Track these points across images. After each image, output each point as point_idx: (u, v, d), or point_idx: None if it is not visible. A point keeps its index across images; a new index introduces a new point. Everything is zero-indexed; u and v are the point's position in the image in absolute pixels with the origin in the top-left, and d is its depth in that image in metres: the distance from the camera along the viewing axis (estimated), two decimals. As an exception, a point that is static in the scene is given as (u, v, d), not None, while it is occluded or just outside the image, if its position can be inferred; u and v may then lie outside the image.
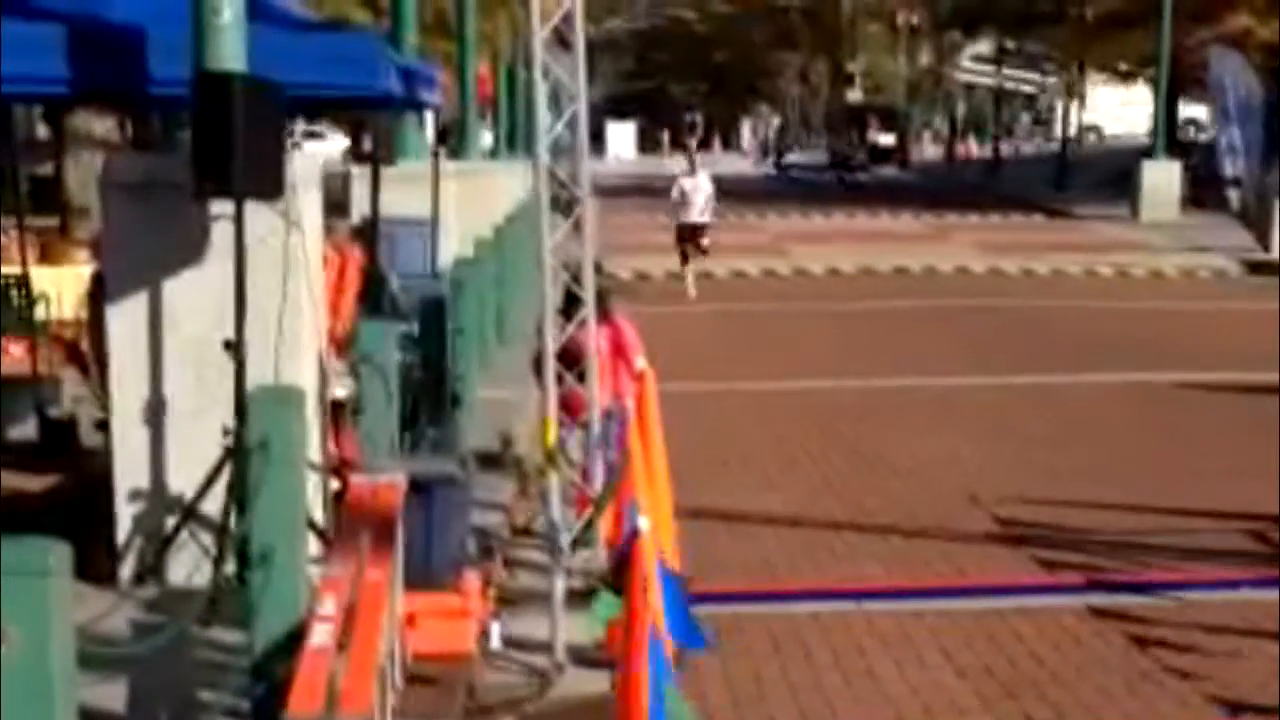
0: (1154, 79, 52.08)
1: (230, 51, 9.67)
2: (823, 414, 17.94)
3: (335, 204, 16.07)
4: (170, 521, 9.87)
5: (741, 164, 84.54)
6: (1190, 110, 73.35)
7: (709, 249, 30.19)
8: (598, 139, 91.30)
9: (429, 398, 13.95)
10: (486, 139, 40.45)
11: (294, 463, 7.63)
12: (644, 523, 7.11)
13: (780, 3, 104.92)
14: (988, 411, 18.28)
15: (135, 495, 10.07)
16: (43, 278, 16.37)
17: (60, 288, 17.00)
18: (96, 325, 11.08)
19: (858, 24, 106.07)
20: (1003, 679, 9.54)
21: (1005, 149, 79.54)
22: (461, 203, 22.10)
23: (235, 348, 9.38)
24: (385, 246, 16.35)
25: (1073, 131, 72.55)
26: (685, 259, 29.81)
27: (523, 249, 24.37)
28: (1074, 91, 77.33)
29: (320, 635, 6.23)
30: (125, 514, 10.08)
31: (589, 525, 9.90)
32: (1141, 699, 9.23)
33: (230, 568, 9.17)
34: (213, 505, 9.49)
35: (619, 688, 7.15)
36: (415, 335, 14.34)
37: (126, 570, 10.04)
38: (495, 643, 9.40)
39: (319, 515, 9.76)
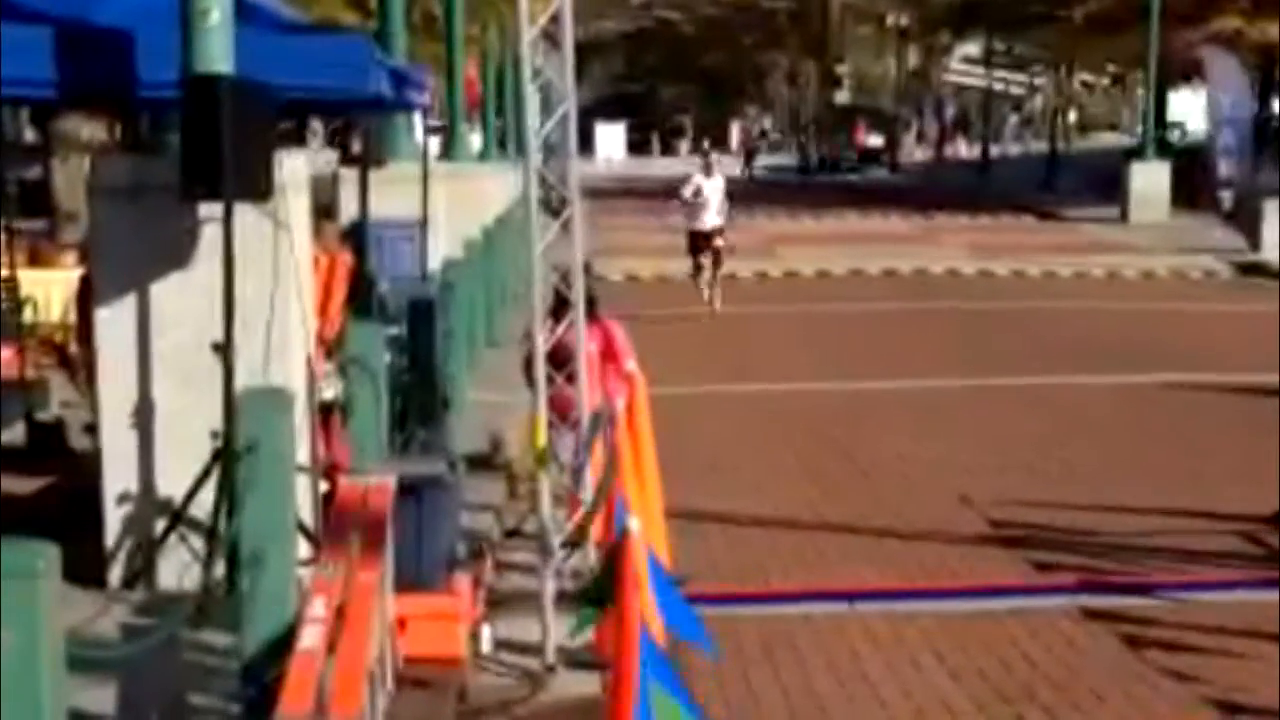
0: (1143, 80, 52.19)
1: (219, 54, 9.65)
2: (814, 416, 17.93)
3: (324, 206, 16.08)
4: (159, 524, 9.85)
5: (731, 166, 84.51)
6: (1178, 110, 73.40)
7: (723, 251, 27.67)
8: (587, 141, 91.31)
9: (418, 400, 13.92)
10: (475, 141, 40.38)
11: (283, 465, 7.60)
12: (634, 522, 7.09)
13: (768, 4, 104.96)
14: (979, 413, 18.27)
15: (124, 498, 10.05)
16: (31, 281, 16.36)
17: (48, 291, 17.02)
18: (85, 328, 11.06)
19: (846, 26, 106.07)
20: (996, 681, 9.51)
21: (994, 150, 79.61)
22: (450, 205, 22.05)
23: (224, 350, 9.35)
24: (374, 248, 16.34)
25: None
26: (699, 268, 27.62)
27: (512, 251, 24.38)
28: (1063, 92, 77.48)
29: (310, 638, 6.20)
30: (114, 517, 10.06)
31: (583, 528, 9.86)
32: (1135, 701, 9.20)
33: (220, 570, 9.15)
34: (202, 508, 9.47)
35: (610, 689, 7.13)
36: (404, 337, 14.32)
37: (115, 573, 10.02)
38: (486, 645, 9.38)
39: (308, 517, 9.73)
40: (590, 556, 10.30)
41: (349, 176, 19.26)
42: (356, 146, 22.93)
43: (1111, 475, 14.81)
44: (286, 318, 9.98)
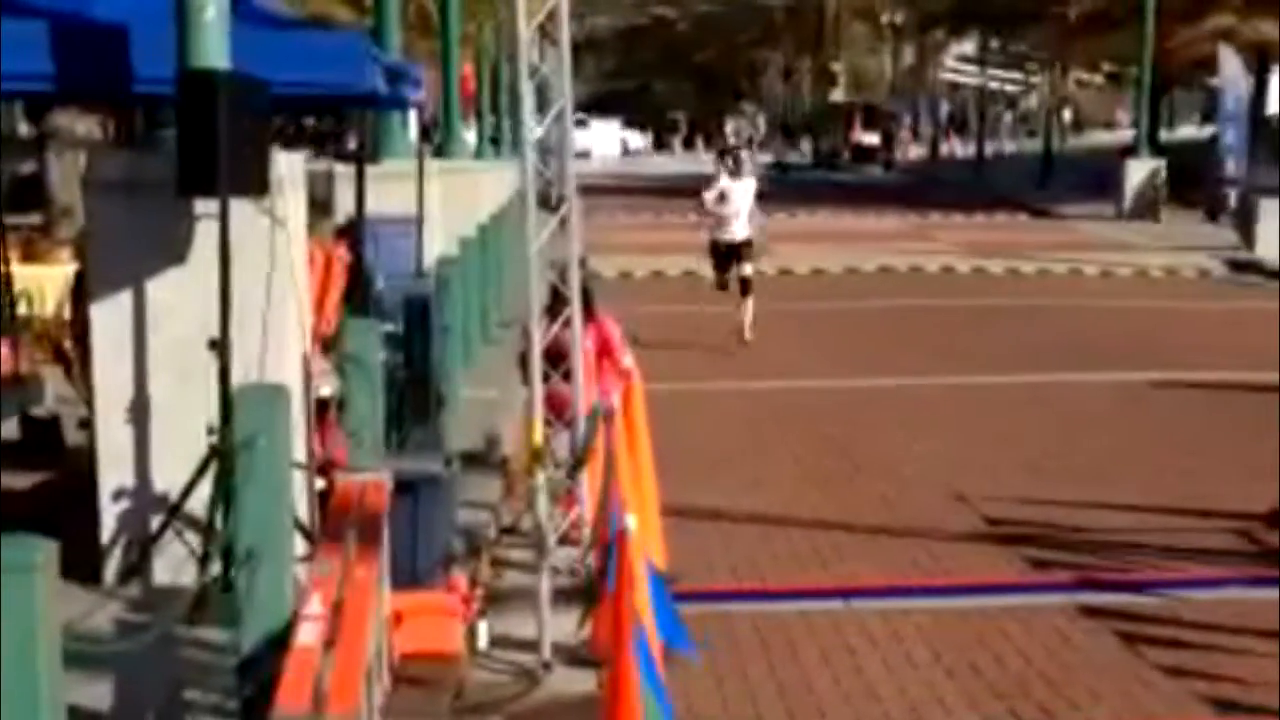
0: (1137, 79, 52.22)
1: (214, 49, 9.63)
2: (809, 414, 17.93)
3: (320, 202, 16.07)
4: (155, 520, 9.84)
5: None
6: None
7: (751, 281, 23.02)
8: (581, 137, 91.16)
9: (414, 397, 13.92)
10: (470, 138, 40.37)
11: (279, 461, 7.60)
12: (631, 521, 7.09)
13: (763, 1, 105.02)
14: (974, 410, 18.27)
15: (119, 494, 10.03)
16: (25, 276, 16.33)
17: (43, 286, 16.97)
18: (80, 324, 11.04)
19: (841, 23, 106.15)
20: (990, 678, 9.51)
21: (989, 148, 79.65)
22: (446, 201, 22.04)
23: (220, 346, 9.34)
24: (370, 245, 16.32)
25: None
26: (724, 285, 23.44)
27: (507, 248, 24.36)
28: (1057, 90, 77.53)
29: (307, 634, 6.20)
30: (109, 513, 10.05)
31: (593, 535, 9.84)
32: (1130, 698, 9.21)
33: (216, 567, 9.14)
34: (198, 504, 9.46)
35: (606, 686, 7.13)
36: (400, 334, 14.32)
37: (111, 569, 10.00)
38: (482, 642, 9.38)
39: (305, 514, 9.73)
40: (588, 554, 10.31)
41: (344, 173, 19.25)
42: (351, 143, 22.91)
43: (1107, 473, 14.81)
44: (283, 314, 9.97)
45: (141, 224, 9.89)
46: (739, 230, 23.00)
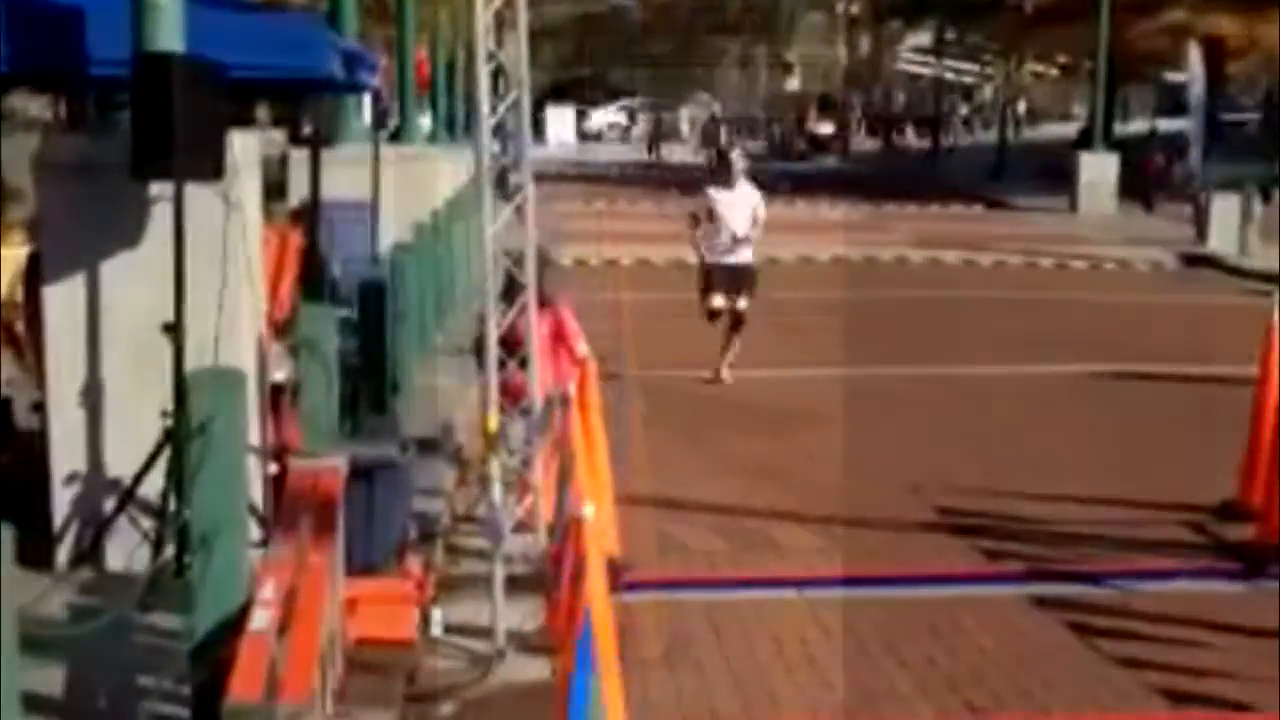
0: (1092, 72, 52.43)
1: (170, 32, 9.59)
2: (762, 404, 17.92)
3: (273, 186, 16.00)
4: (108, 505, 9.79)
5: (681, 151, 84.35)
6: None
7: (745, 317, 19.15)
8: (538, 124, 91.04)
9: (369, 382, 13.89)
10: (426, 123, 40.24)
11: (234, 446, 7.57)
12: (588, 510, 7.07)
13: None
14: (929, 402, 18.31)
15: (72, 478, 9.98)
16: (-24, 259, 16.21)
17: (-5, 268, 16.84)
18: (32, 307, 10.97)
19: (797, 13, 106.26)
20: (944, 668, 9.54)
21: (944, 139, 79.79)
22: (400, 187, 21.98)
23: (175, 330, 9.30)
24: (324, 230, 16.28)
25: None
26: (714, 315, 19.18)
27: (462, 234, 24.30)
28: (1013, 82, 77.75)
29: (261, 620, 6.18)
30: (62, 497, 10.00)
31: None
32: (1083, 688, 9.24)
33: (169, 552, 9.10)
34: (151, 489, 9.41)
35: (559, 674, 7.12)
36: (355, 320, 14.28)
37: (63, 554, 9.95)
38: (436, 628, 9.38)
39: (259, 499, 9.69)
40: (541, 542, 10.31)
41: (298, 157, 19.18)
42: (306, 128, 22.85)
43: (1060, 465, 14.86)
44: (237, 298, 9.92)
45: (95, 207, 9.84)
46: (740, 252, 18.98)
